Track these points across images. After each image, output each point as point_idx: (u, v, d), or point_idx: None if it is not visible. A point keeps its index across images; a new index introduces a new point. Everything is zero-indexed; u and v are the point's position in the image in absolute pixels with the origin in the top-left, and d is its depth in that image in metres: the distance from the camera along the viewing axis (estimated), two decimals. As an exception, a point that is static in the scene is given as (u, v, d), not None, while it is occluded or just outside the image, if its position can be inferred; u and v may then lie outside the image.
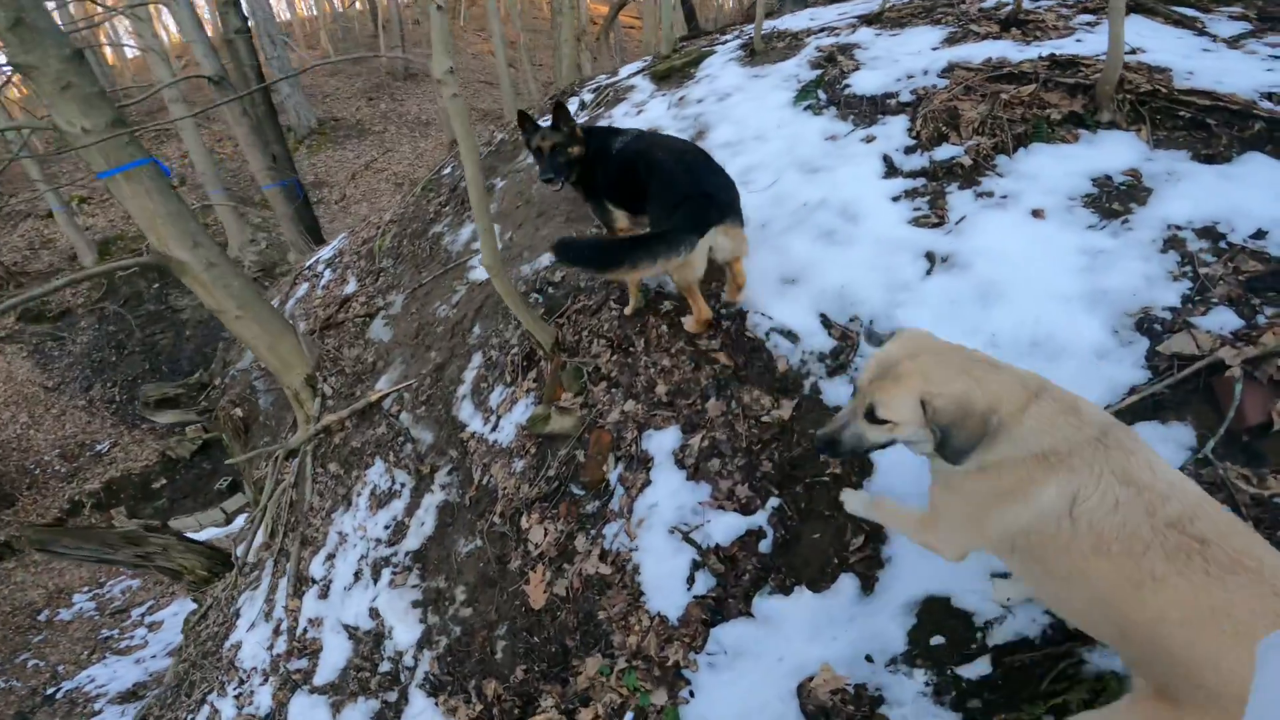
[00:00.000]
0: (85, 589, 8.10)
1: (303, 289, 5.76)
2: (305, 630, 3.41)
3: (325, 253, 6.17)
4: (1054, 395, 1.25)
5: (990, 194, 2.48)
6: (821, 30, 4.21)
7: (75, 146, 3.31)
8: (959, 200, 2.53)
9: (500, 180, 4.72)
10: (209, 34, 8.13)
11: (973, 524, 1.36)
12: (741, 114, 3.66)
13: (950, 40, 3.46)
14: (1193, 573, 1.06)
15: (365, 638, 3.14)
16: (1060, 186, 2.38)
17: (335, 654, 3.20)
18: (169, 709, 3.95)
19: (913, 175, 2.73)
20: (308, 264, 6.22)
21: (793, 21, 4.75)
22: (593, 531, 2.53)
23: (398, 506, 3.51)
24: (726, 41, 4.92)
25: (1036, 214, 2.33)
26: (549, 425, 2.91)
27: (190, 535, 4.97)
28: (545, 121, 2.83)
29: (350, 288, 5.03)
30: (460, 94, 2.22)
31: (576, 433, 2.84)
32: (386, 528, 3.46)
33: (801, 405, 2.35)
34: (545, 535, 2.68)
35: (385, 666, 2.99)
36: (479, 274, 4.13)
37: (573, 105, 5.14)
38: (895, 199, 2.66)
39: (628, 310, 2.92)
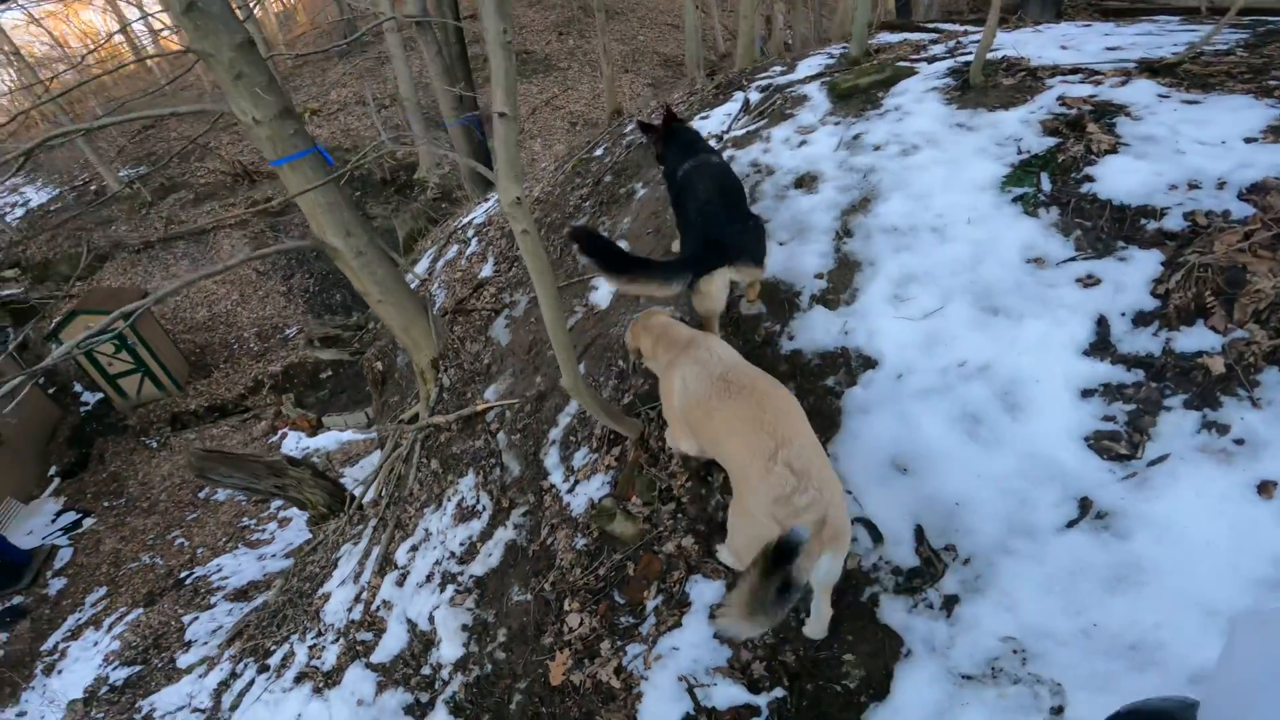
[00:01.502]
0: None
1: (453, 251, 5.98)
2: (378, 609, 3.71)
3: (479, 214, 6.32)
4: (675, 332, 2.26)
5: (1224, 431, 1.75)
6: (1074, 71, 3.21)
7: (249, 134, 3.52)
8: (1172, 426, 1.83)
9: (641, 188, 4.39)
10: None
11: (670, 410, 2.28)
12: (926, 184, 2.95)
13: (1279, 131, 2.36)
14: (725, 400, 1.85)
15: (419, 638, 3.36)
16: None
17: (393, 641, 3.46)
18: (261, 632, 4.54)
19: (1128, 363, 2.01)
20: (462, 222, 6.43)
21: (1034, 43, 3.70)
22: (618, 643, 2.52)
23: (475, 528, 3.62)
24: (935, 58, 3.99)
25: (1265, 490, 1.61)
26: (612, 524, 2.78)
27: (325, 472, 5.58)
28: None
29: (487, 270, 5.10)
30: (531, 230, 1.94)
31: (635, 544, 2.71)
32: (462, 544, 3.59)
33: (849, 614, 2.07)
34: (580, 624, 2.71)
35: (426, 671, 3.22)
36: (600, 296, 3.95)
37: (734, 106, 4.57)
38: (1085, 394, 1.99)
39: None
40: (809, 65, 4.84)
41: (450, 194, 10.30)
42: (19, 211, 14.42)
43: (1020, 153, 2.82)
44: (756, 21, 5.99)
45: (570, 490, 3.21)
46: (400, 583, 3.75)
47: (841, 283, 2.82)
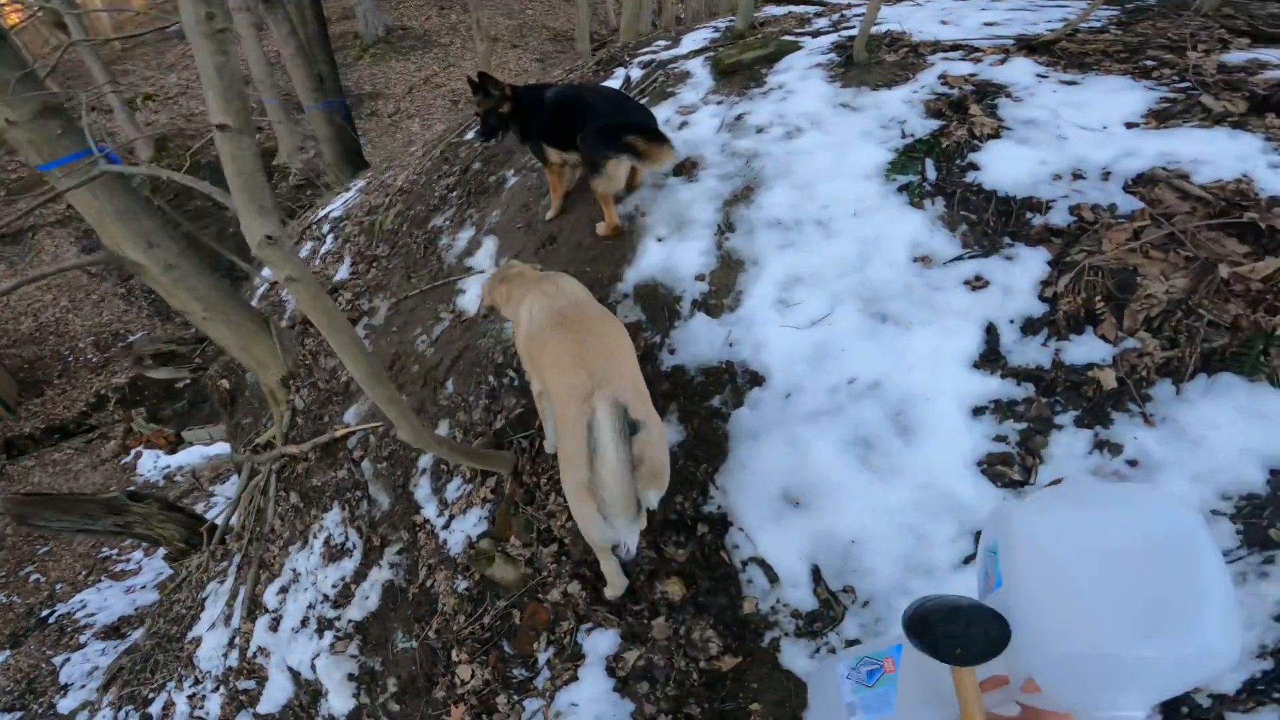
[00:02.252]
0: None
1: (306, 249, 5.26)
2: (255, 656, 3.40)
3: (337, 206, 5.59)
4: (529, 273, 2.27)
5: (1116, 451, 1.63)
6: (955, 48, 3.07)
7: (4, 136, 2.82)
8: (1064, 447, 1.69)
9: (513, 176, 3.93)
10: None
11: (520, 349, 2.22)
12: (811, 171, 2.72)
13: (1160, 116, 2.23)
14: (555, 334, 1.85)
15: (305, 687, 3.09)
16: (1229, 476, 1.50)
17: (278, 690, 3.20)
18: (136, 678, 4.10)
19: (1018, 376, 1.85)
20: (319, 216, 5.68)
21: (916, 17, 3.55)
22: (514, 698, 2.29)
23: (348, 567, 3.23)
24: (820, 31, 3.77)
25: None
26: (492, 568, 2.46)
27: (176, 503, 4.86)
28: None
29: (343, 272, 4.49)
30: (301, 277, 1.50)
31: (518, 590, 2.39)
32: (334, 586, 3.23)
33: (751, 661, 1.90)
34: (472, 676, 2.45)
35: (320, 723, 2.91)
36: (468, 300, 3.50)
37: (617, 80, 4.19)
38: (977, 413, 1.83)
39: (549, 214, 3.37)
40: (694, 39, 4.52)
41: (317, 179, 9.28)
42: None
43: (904, 136, 2.63)
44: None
45: (446, 526, 2.87)
46: (274, 627, 3.39)
47: (724, 285, 2.55)
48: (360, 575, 3.14)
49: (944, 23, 3.43)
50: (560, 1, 14.80)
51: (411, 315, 3.74)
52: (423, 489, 3.06)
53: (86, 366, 9.69)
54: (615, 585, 2.08)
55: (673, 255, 2.72)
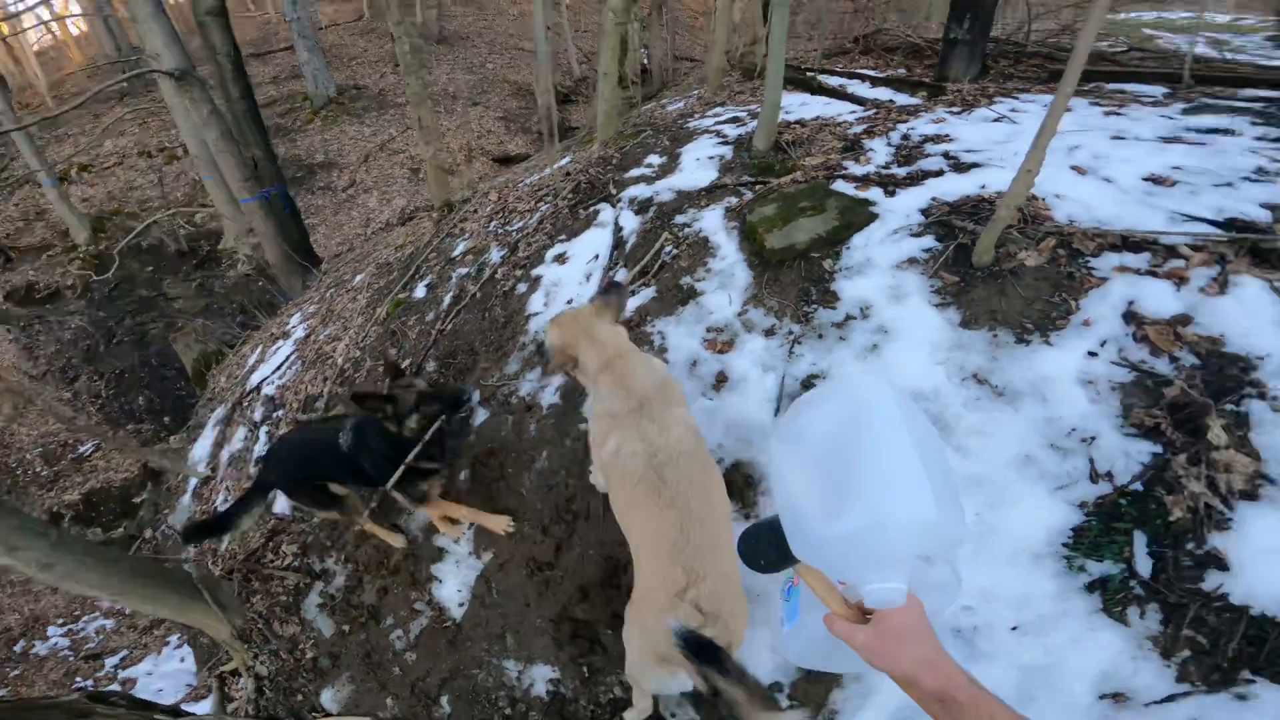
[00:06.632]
0: (60, 620, 7.23)
1: (239, 437, 4.17)
2: None
3: (269, 370, 4.51)
4: (617, 368, 1.71)
5: None
6: (1131, 245, 2.05)
7: None
8: None
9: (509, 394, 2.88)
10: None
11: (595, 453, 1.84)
12: None
13: None
14: (649, 498, 1.54)
15: None
16: None
17: None
18: None
19: None
20: (250, 385, 4.59)
21: (1019, 142, 2.52)
22: None
23: None
24: (888, 178, 2.72)
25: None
26: None
27: (143, 699, 3.83)
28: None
29: (283, 503, 3.40)
30: None
31: None
32: None
33: None
34: None
35: None
36: (448, 594, 2.50)
37: (599, 238, 3.16)
38: None
39: None
40: (698, 157, 3.48)
41: (268, 269, 8.22)
42: None
43: (1096, 477, 1.61)
44: (615, 104, 4.46)
45: None
46: None
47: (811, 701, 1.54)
48: None
49: (1080, 170, 2.40)
50: (521, 53, 13.62)
51: (383, 600, 2.69)
52: None
53: (36, 482, 8.68)
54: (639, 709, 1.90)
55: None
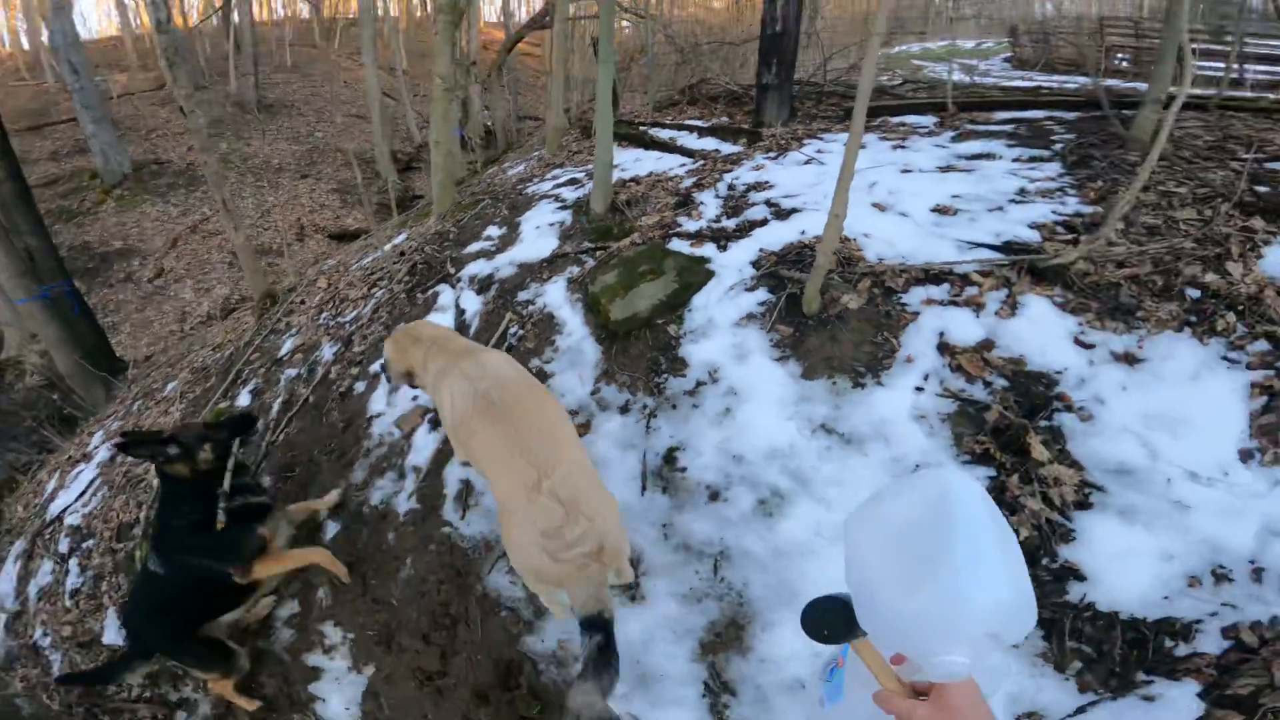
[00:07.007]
0: None
1: (46, 571, 3.39)
2: None
3: (73, 498, 3.77)
4: (452, 342, 2.00)
5: None
6: (931, 277, 2.23)
7: None
8: None
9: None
10: None
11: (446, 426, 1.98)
12: (823, 589, 1.71)
13: (1270, 432, 1.63)
14: (485, 421, 1.70)
15: None
16: None
17: None
18: None
19: None
20: (52, 514, 3.80)
21: (823, 186, 2.71)
22: None
23: None
24: (718, 232, 2.81)
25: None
26: None
27: None
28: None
29: (110, 633, 2.81)
30: None
31: None
32: None
33: None
34: None
35: None
36: (335, 712, 2.12)
37: (442, 314, 2.99)
38: None
39: None
40: (538, 225, 3.43)
41: (60, 381, 7.00)
42: None
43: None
44: (453, 141, 4.34)
45: None
46: None
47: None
48: None
49: (880, 207, 2.61)
50: (353, 120, 12.99)
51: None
52: None
53: None
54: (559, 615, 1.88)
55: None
